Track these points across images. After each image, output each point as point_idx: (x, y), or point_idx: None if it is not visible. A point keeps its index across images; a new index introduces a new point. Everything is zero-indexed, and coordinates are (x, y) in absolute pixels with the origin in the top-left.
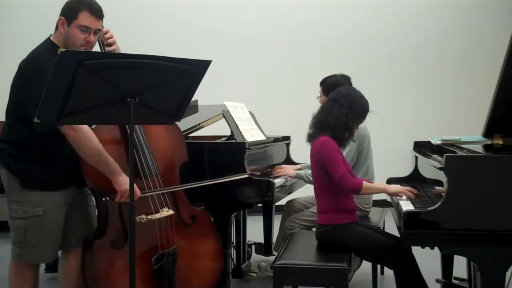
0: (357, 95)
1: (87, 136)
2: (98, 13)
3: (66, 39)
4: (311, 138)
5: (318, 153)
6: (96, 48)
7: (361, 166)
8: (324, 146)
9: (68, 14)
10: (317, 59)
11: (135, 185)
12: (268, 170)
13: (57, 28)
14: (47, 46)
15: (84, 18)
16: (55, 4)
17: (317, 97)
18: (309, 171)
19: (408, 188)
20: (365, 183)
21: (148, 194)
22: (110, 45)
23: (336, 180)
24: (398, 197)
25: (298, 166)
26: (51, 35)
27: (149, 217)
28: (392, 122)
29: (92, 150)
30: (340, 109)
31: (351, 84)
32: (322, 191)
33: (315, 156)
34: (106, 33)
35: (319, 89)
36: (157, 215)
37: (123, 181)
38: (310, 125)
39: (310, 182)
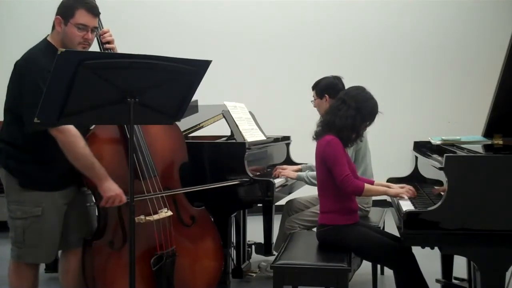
0: (366, 96)
1: (74, 139)
2: (94, 11)
3: (63, 38)
4: (317, 136)
5: (323, 152)
6: (96, 48)
7: (359, 166)
8: (328, 146)
9: (65, 13)
10: (317, 59)
11: None
12: (268, 170)
13: (53, 28)
14: (42, 46)
15: (81, 16)
16: (56, 2)
17: (311, 101)
18: (310, 173)
19: (408, 187)
20: (367, 186)
21: (143, 198)
22: (109, 43)
23: (338, 182)
24: (398, 197)
25: (299, 166)
26: (48, 35)
27: (147, 218)
28: (392, 122)
29: (79, 154)
30: (348, 110)
31: (343, 84)
32: (325, 191)
33: (320, 155)
34: (105, 33)
35: (312, 93)
36: (156, 216)
37: (109, 187)
38: (317, 124)
39: (311, 184)
